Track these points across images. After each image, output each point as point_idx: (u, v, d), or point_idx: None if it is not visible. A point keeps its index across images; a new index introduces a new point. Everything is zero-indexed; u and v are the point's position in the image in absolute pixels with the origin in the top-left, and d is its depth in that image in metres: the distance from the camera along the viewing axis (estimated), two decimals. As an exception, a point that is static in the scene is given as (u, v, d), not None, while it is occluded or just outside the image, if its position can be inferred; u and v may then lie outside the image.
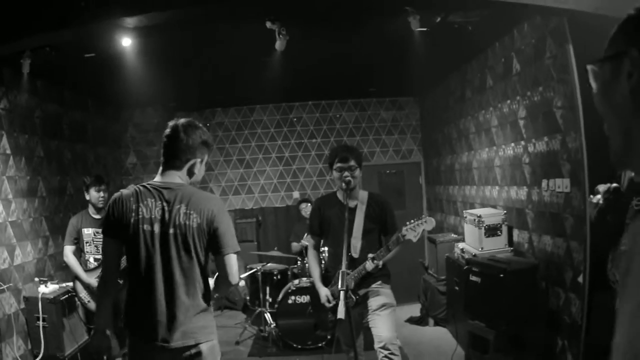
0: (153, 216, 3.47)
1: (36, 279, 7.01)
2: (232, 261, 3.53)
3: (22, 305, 6.76)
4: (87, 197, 6.51)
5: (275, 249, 9.38)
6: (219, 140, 11.79)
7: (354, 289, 5.01)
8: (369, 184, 10.96)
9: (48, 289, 6.75)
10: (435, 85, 10.23)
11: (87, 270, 6.40)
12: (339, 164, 5.08)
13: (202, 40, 6.66)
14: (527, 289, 5.71)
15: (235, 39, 6.58)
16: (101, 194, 6.49)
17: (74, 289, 6.51)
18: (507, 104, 6.87)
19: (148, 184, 3.60)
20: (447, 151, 9.74)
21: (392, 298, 5.19)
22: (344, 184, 5.03)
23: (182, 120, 3.63)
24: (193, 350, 3.47)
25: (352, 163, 5.07)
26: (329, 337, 7.29)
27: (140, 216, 3.47)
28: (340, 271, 4.45)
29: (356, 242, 5.11)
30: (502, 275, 5.61)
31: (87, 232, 6.46)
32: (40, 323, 6.52)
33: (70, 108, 8.81)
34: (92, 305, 6.37)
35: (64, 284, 7.03)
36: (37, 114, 7.69)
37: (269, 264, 8.87)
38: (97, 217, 6.51)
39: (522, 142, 6.45)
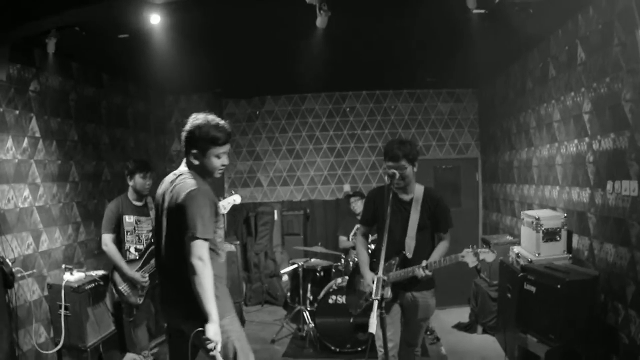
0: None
1: (62, 266, 6.78)
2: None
3: (46, 293, 6.57)
4: (131, 183, 6.45)
5: (320, 244, 9.00)
6: (268, 129, 11.50)
7: (399, 284, 4.97)
8: (424, 179, 10.33)
9: (73, 277, 6.51)
10: (494, 76, 9.66)
11: (127, 261, 6.27)
12: (389, 163, 4.95)
13: (238, 18, 6.28)
14: (585, 303, 5.20)
15: (281, 19, 6.21)
16: (147, 180, 6.41)
17: (112, 280, 6.36)
18: (570, 96, 6.29)
19: None
20: (506, 147, 9.16)
21: (433, 308, 5.22)
22: (394, 181, 4.88)
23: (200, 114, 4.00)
24: None
25: (403, 162, 4.90)
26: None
27: None
28: (376, 277, 4.15)
29: (410, 242, 5.00)
30: (559, 286, 5.16)
31: (129, 219, 6.34)
32: (62, 311, 6.30)
33: (110, 92, 8.62)
34: (133, 298, 6.27)
35: (92, 272, 6.81)
36: (72, 96, 7.50)
37: (312, 260, 8.59)
38: (139, 204, 6.43)
39: (586, 139, 5.88)
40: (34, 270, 6.46)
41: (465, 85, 11.01)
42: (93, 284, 6.57)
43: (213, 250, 3.86)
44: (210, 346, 3.60)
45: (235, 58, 8.11)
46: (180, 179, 3.92)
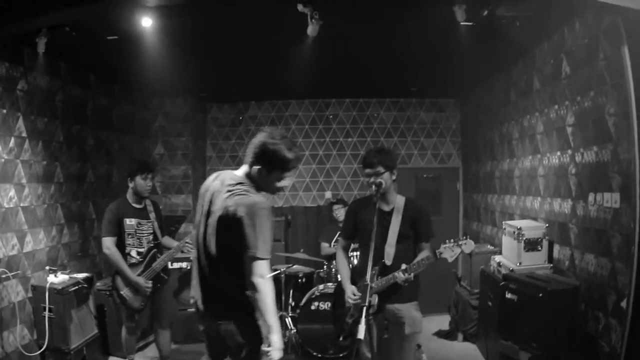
0: None
1: (46, 268, 6.77)
2: None
3: (30, 294, 6.54)
4: (131, 184, 6.27)
5: (302, 250, 9.03)
6: (251, 134, 11.20)
7: (381, 295, 4.90)
8: (405, 188, 10.59)
9: (57, 279, 6.50)
10: (478, 87, 9.77)
11: (129, 265, 6.12)
12: (366, 170, 5.03)
13: (229, 24, 6.33)
14: (566, 312, 5.31)
15: (266, 25, 6.27)
16: (148, 182, 6.29)
17: (113, 284, 6.23)
18: (554, 109, 6.40)
19: None
20: (488, 157, 9.27)
21: (420, 322, 5.12)
22: (373, 188, 4.92)
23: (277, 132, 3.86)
24: None
25: (379, 169, 4.92)
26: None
27: None
28: (364, 284, 4.31)
29: (390, 249, 4.99)
30: (540, 295, 5.26)
31: (130, 222, 6.17)
32: (47, 314, 6.29)
33: (96, 93, 8.60)
34: (135, 302, 6.14)
35: (76, 275, 6.81)
36: (59, 97, 7.48)
37: (294, 266, 8.58)
38: (139, 206, 6.32)
39: (569, 151, 5.99)
40: (19, 272, 6.42)
41: (448, 95, 11.08)
42: (77, 287, 6.58)
43: None
44: (274, 356, 3.60)
45: (221, 63, 8.16)
46: (241, 189, 3.79)
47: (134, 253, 6.18)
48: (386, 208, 5.10)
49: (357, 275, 5.13)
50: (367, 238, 4.73)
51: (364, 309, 4.11)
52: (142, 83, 9.38)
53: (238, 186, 3.79)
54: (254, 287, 3.56)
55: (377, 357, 4.93)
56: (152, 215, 6.38)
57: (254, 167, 3.81)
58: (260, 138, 3.80)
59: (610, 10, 4.78)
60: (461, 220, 10.98)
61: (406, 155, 11.16)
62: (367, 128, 11.35)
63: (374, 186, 4.92)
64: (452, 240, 4.86)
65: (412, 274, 4.79)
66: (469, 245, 4.81)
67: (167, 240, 6.56)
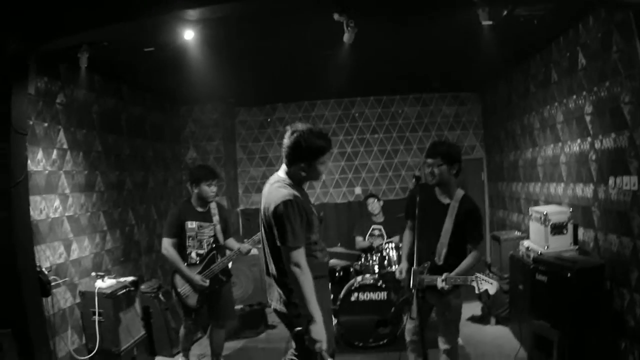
0: None
1: (93, 274, 7.01)
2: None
3: (78, 300, 6.79)
4: (195, 190, 6.35)
5: (339, 244, 9.30)
6: (280, 135, 11.60)
7: (426, 289, 4.96)
8: (430, 180, 10.84)
9: (105, 283, 6.69)
10: (497, 80, 10.07)
11: (188, 264, 6.26)
12: (427, 159, 5.17)
13: (267, 33, 6.63)
14: (594, 289, 5.56)
15: (302, 32, 6.56)
16: (213, 188, 6.36)
17: (172, 283, 6.36)
18: (572, 99, 6.72)
19: None
20: (510, 147, 9.58)
21: (457, 310, 5.28)
22: (429, 178, 5.13)
23: (302, 126, 4.11)
24: None
25: (437, 160, 5.07)
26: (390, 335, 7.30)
27: None
28: (413, 269, 4.62)
29: (442, 248, 5.07)
30: (569, 275, 5.49)
31: (191, 225, 6.28)
32: (96, 317, 6.44)
33: (129, 103, 8.89)
34: (191, 300, 6.26)
35: (122, 279, 7.00)
36: (94, 108, 7.76)
37: (331, 260, 8.75)
38: (202, 209, 6.40)
39: (589, 139, 6.30)
40: (67, 279, 6.70)
41: (469, 89, 11.39)
42: (124, 290, 6.75)
43: (309, 255, 4.00)
44: (316, 347, 3.77)
45: (249, 69, 8.44)
46: (273, 188, 4.09)
47: (193, 254, 6.30)
48: (444, 201, 5.18)
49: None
50: (421, 226, 4.96)
51: (415, 292, 4.45)
52: (173, 91, 9.73)
53: (274, 185, 4.11)
54: (292, 277, 3.84)
55: (420, 338, 5.04)
56: (216, 218, 6.49)
57: (295, 165, 4.08)
58: (290, 138, 4.05)
59: (621, 4, 5.06)
60: (487, 209, 11.26)
61: (431, 148, 11.40)
62: (392, 124, 11.69)
63: (430, 176, 5.11)
64: (486, 276, 4.97)
65: (449, 285, 4.89)
66: (494, 287, 4.92)
67: (231, 243, 6.66)
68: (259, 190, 11.46)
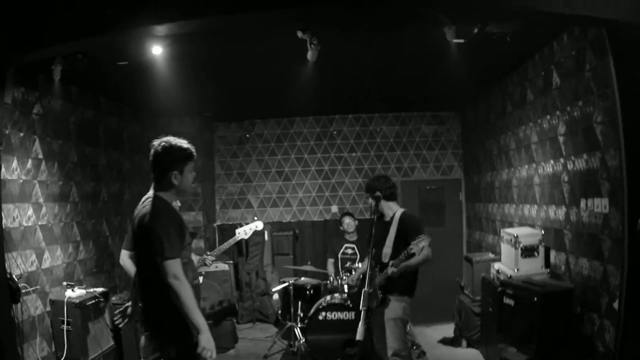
0: None
1: (64, 283, 7.01)
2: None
3: (48, 308, 6.75)
4: None
5: (309, 263, 9.26)
6: (258, 151, 11.77)
7: (381, 288, 5.68)
8: (409, 200, 10.82)
9: (75, 293, 6.71)
10: (477, 100, 9.98)
11: None
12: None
13: (234, 49, 6.63)
14: (561, 314, 5.45)
15: (267, 48, 6.52)
16: (176, 203, 6.35)
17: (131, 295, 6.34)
18: (547, 119, 6.61)
19: None
20: (487, 168, 9.47)
21: (404, 311, 5.72)
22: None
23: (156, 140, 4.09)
24: None
25: (367, 195, 6.14)
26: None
27: None
28: (363, 290, 4.78)
29: (387, 250, 5.77)
30: (535, 299, 5.42)
31: None
32: (65, 326, 6.50)
33: (106, 115, 8.88)
34: None
35: (92, 289, 7.01)
36: (72, 119, 7.77)
37: (302, 278, 8.79)
38: None
39: (562, 160, 6.19)
40: (37, 287, 6.65)
41: (448, 108, 11.30)
42: (94, 300, 6.77)
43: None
44: (206, 355, 3.72)
45: (226, 84, 8.41)
46: (146, 202, 4.00)
47: None
48: (387, 219, 5.98)
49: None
50: (373, 244, 5.52)
51: (363, 312, 4.38)
52: (150, 104, 9.60)
53: (146, 201, 4.02)
54: (172, 289, 3.70)
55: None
56: None
57: (166, 178, 4.00)
58: (154, 154, 4.03)
59: (593, 22, 4.93)
60: (465, 230, 11.14)
61: (409, 168, 11.40)
62: (371, 142, 11.58)
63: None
64: (416, 238, 5.35)
65: (396, 268, 5.48)
66: (426, 240, 5.32)
67: None
68: (237, 206, 11.48)
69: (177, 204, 6.19)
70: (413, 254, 5.36)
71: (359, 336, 4.31)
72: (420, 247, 5.30)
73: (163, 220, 3.81)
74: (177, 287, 3.68)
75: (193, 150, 4.10)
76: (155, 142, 4.05)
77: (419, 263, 5.54)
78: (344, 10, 5.22)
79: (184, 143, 4.07)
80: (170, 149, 4.00)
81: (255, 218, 6.52)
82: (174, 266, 3.71)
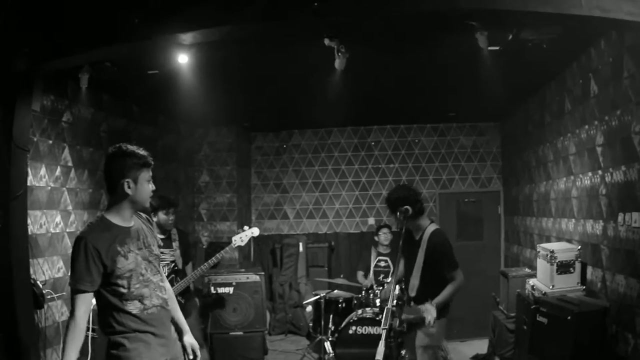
0: None
1: None
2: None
3: (74, 315, 6.78)
4: (155, 219, 6.37)
5: (342, 276, 9.14)
6: (295, 162, 11.73)
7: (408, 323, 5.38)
8: (446, 212, 10.67)
9: None
10: (515, 110, 9.76)
11: None
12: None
13: (272, 60, 6.65)
14: (596, 333, 5.23)
15: (307, 58, 6.47)
16: (170, 216, 6.56)
17: None
18: (584, 129, 6.36)
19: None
20: (526, 180, 9.21)
21: (437, 336, 5.33)
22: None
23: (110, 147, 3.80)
24: None
25: (393, 213, 5.35)
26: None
27: None
28: (386, 308, 4.39)
29: (414, 281, 5.39)
30: (569, 318, 5.20)
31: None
32: (90, 333, 6.34)
33: (140, 123, 8.92)
34: None
35: None
36: (103, 127, 7.83)
37: (335, 291, 8.73)
38: (161, 236, 6.39)
39: (599, 172, 5.93)
40: (64, 293, 6.67)
41: (487, 119, 11.07)
42: None
43: (120, 301, 3.61)
44: None
45: (263, 94, 8.39)
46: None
47: None
48: (416, 237, 5.50)
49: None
50: (404, 261, 5.40)
51: (384, 332, 4.21)
52: (187, 113, 9.67)
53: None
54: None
55: None
56: (176, 244, 6.62)
57: (120, 188, 3.64)
58: (106, 161, 3.74)
59: (630, 25, 4.75)
60: (503, 244, 10.87)
61: (447, 180, 11.19)
62: (409, 154, 11.41)
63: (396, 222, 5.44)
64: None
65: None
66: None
67: (188, 268, 6.83)
68: (272, 216, 11.45)
69: (169, 217, 6.49)
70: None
71: (378, 356, 4.14)
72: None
73: (75, 245, 3.49)
74: (68, 320, 3.54)
75: (150, 158, 3.78)
76: (109, 149, 3.77)
77: (452, 295, 5.25)
78: (372, 22, 5.25)
79: (140, 150, 3.73)
80: (123, 154, 3.67)
81: (246, 228, 6.67)
82: (74, 298, 3.51)
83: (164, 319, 3.84)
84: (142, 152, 3.73)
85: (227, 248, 6.60)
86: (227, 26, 4.90)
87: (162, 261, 6.19)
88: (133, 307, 3.61)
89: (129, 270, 3.60)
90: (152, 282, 3.75)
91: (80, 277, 3.45)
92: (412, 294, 5.37)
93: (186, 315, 6.46)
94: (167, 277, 6.24)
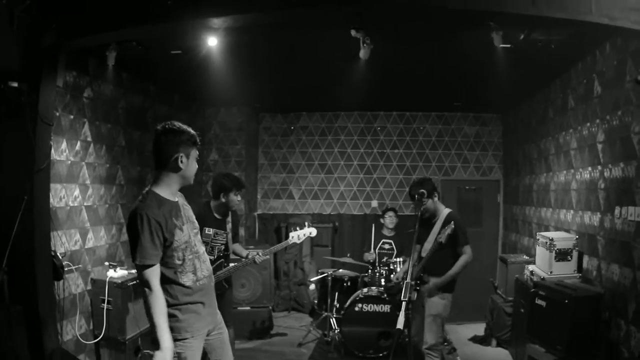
0: None
1: (106, 263, 7.18)
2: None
3: (89, 287, 6.97)
4: (223, 200, 6.16)
5: (348, 255, 9.40)
6: (302, 144, 12.01)
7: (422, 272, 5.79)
8: (447, 199, 10.91)
9: (117, 273, 6.82)
10: (519, 103, 10.07)
11: None
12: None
13: (287, 44, 6.82)
14: (591, 318, 5.60)
15: (320, 44, 6.71)
16: (239, 197, 6.26)
17: None
18: (586, 126, 6.71)
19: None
20: (527, 171, 9.57)
21: (445, 308, 5.94)
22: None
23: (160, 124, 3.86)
24: None
25: (414, 200, 6.08)
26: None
27: None
28: (406, 282, 4.78)
29: (427, 245, 5.93)
30: (566, 301, 5.56)
31: (208, 232, 6.07)
32: (105, 305, 6.60)
33: (156, 101, 9.12)
34: None
35: (133, 271, 6.97)
36: (121, 104, 8.01)
37: (340, 270, 8.94)
38: (219, 217, 6.26)
39: (599, 167, 6.30)
40: (80, 265, 6.89)
41: (491, 110, 11.37)
42: (135, 282, 6.77)
43: (175, 274, 3.72)
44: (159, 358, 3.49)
45: (275, 76, 8.60)
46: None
47: None
48: (432, 220, 6.09)
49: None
50: (417, 242, 5.74)
51: (404, 303, 4.58)
52: (201, 93, 9.91)
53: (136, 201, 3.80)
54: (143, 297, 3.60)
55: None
56: (229, 226, 6.36)
57: (170, 164, 3.75)
58: (159, 136, 3.77)
59: (637, 34, 5.06)
60: (501, 232, 11.24)
61: (449, 167, 11.52)
62: (413, 140, 11.72)
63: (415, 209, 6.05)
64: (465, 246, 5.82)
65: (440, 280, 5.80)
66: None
67: (237, 248, 6.60)
68: (278, 196, 11.71)
69: (237, 198, 6.23)
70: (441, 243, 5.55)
71: (399, 325, 4.44)
72: (446, 234, 5.53)
73: (138, 221, 3.54)
74: (145, 296, 3.56)
75: (199, 138, 3.88)
76: (159, 126, 3.83)
77: (462, 267, 5.85)
78: (396, 12, 5.38)
79: (190, 129, 3.84)
80: (177, 130, 3.77)
81: (307, 224, 6.55)
82: (145, 274, 3.53)
83: (211, 289, 4.03)
84: (192, 131, 3.84)
85: (282, 243, 6.71)
86: (258, 13, 5.06)
87: (214, 244, 6.14)
88: (187, 279, 3.74)
89: (185, 242, 3.74)
90: (200, 254, 3.92)
91: (148, 252, 3.51)
92: (424, 254, 5.86)
93: (227, 300, 6.44)
94: (217, 259, 6.16)
